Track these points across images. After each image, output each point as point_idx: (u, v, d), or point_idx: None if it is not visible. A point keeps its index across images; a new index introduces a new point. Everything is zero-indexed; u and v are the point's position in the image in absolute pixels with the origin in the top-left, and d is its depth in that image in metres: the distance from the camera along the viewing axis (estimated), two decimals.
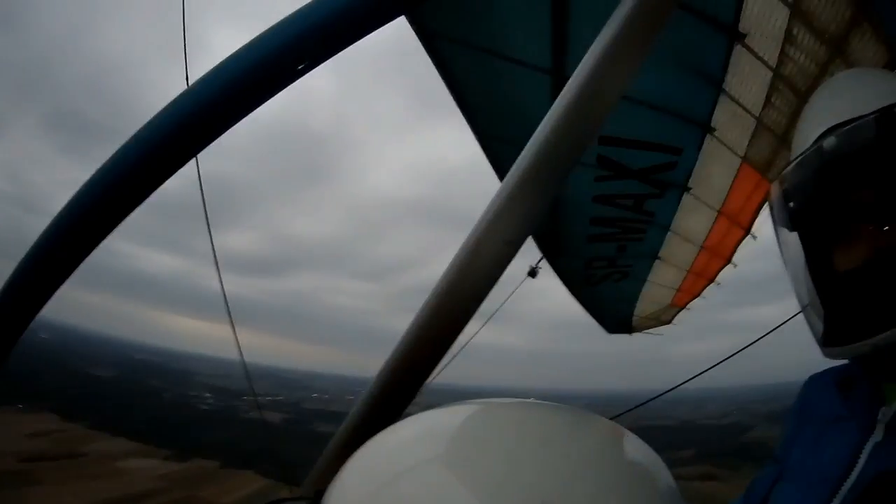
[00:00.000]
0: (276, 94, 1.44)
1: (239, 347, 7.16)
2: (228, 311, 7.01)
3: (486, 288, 1.85)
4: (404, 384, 1.91)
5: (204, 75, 1.44)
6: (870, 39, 4.09)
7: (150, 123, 1.43)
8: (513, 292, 9.26)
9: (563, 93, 1.74)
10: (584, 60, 1.76)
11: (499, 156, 5.68)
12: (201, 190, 6.08)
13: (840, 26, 4.13)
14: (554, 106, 1.75)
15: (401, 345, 1.89)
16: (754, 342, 7.54)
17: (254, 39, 1.42)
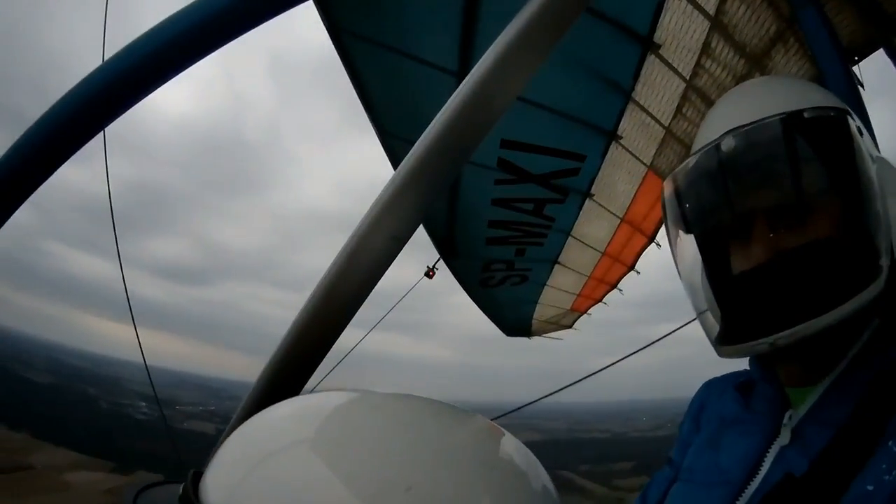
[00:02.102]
0: (183, 70, 1.42)
1: (142, 351, 7.01)
2: (132, 313, 6.87)
3: (372, 282, 1.86)
4: (291, 375, 1.90)
5: (116, 53, 1.42)
6: (795, 54, 4.14)
7: (63, 98, 1.41)
8: (408, 292, 9.30)
9: (458, 89, 1.72)
10: (482, 58, 1.74)
11: (399, 156, 5.52)
12: (108, 188, 5.95)
13: (763, 40, 4.21)
14: (448, 102, 1.74)
15: (288, 334, 1.86)
16: (645, 347, 7.78)
17: (164, 20, 1.40)
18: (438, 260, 7.95)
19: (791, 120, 1.57)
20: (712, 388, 2.04)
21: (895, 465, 1.33)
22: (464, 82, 1.74)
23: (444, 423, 1.18)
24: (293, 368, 1.89)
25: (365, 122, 5.31)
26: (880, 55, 4.01)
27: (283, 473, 0.99)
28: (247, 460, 1.07)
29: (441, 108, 1.70)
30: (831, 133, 1.60)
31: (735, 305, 1.67)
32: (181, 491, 1.10)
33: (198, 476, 1.11)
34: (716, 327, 1.74)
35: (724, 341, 1.67)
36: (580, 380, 7.98)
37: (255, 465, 1.04)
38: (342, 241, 1.83)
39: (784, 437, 1.57)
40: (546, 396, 8.23)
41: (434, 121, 1.75)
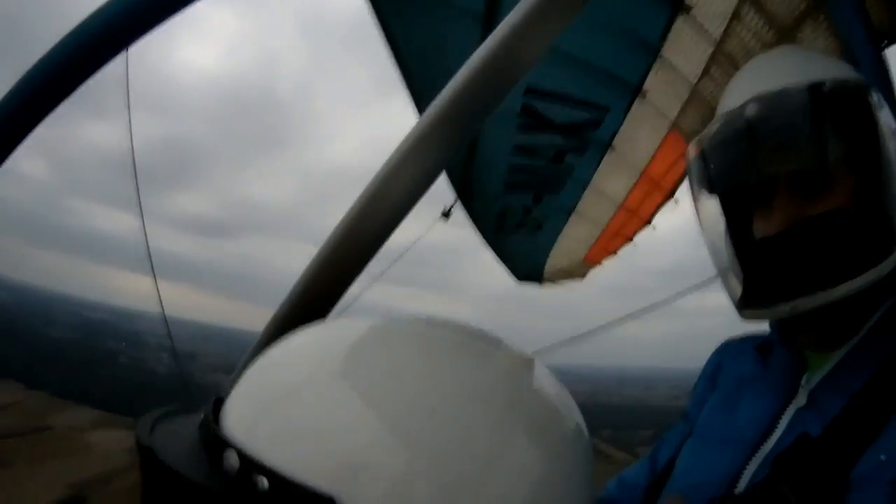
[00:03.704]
0: None
1: (161, 303, 7.01)
2: (152, 266, 6.84)
3: (399, 216, 1.89)
4: (316, 305, 1.95)
5: None
6: (825, 31, 4.13)
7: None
8: (426, 232, 9.33)
9: (491, 35, 1.73)
10: (516, 8, 1.79)
11: (425, 101, 5.42)
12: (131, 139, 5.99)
13: (793, 14, 4.18)
14: (480, 47, 1.76)
15: (312, 265, 1.93)
16: (664, 301, 7.86)
17: None
18: (456, 201, 7.90)
19: (817, 89, 1.58)
20: (730, 348, 2.08)
21: None
22: (498, 27, 1.77)
23: (471, 351, 1.19)
24: (312, 304, 1.93)
25: (395, 85, 5.27)
26: None
27: (303, 402, 1.03)
28: (268, 389, 1.11)
29: (466, 52, 1.76)
30: (855, 105, 1.62)
31: (756, 270, 1.72)
32: (202, 418, 1.13)
33: (219, 403, 1.15)
34: (738, 290, 1.78)
35: (746, 304, 1.73)
36: (575, 337, 8.04)
37: (276, 394, 1.07)
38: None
39: (801, 399, 1.62)
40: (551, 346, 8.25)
41: (465, 65, 1.79)
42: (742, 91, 1.73)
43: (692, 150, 1.86)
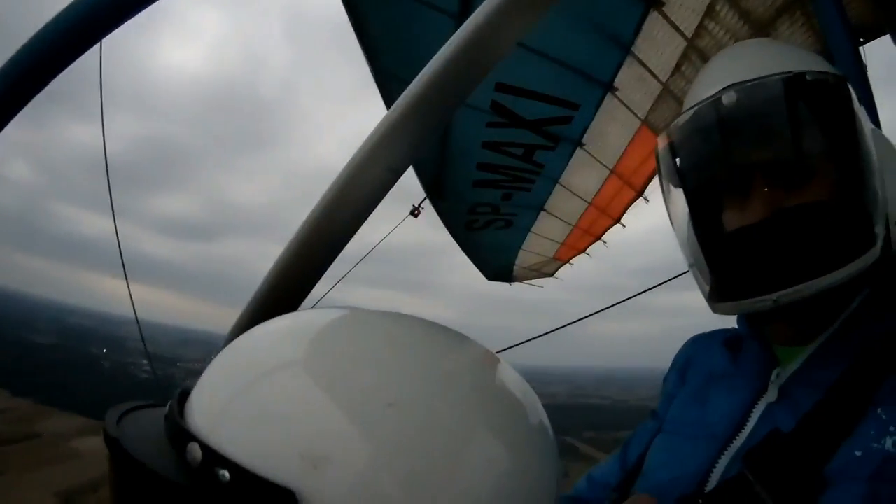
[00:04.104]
0: None
1: (133, 306, 6.98)
2: (124, 268, 6.82)
3: (367, 211, 1.80)
4: (282, 302, 1.84)
5: None
6: (801, 27, 4.16)
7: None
8: (394, 228, 9.34)
9: (460, 29, 1.73)
10: (484, 3, 1.78)
11: (394, 97, 5.38)
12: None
13: (768, 10, 4.20)
14: (449, 41, 1.75)
15: (278, 263, 1.84)
16: (629, 298, 7.89)
17: None
18: (424, 199, 7.92)
19: (799, 79, 1.58)
20: (699, 343, 2.08)
21: (883, 433, 1.39)
22: (467, 21, 1.76)
23: (436, 344, 1.19)
24: (289, 289, 1.87)
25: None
26: (885, 41, 3.94)
27: (265, 393, 1.03)
28: (230, 381, 1.11)
29: (439, 49, 1.73)
30: (833, 97, 1.61)
31: (736, 261, 1.67)
32: (167, 410, 1.12)
33: (184, 396, 1.15)
34: (713, 283, 1.75)
35: (723, 297, 1.69)
36: (544, 334, 8.07)
37: (238, 386, 1.08)
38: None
39: (771, 394, 1.61)
40: (519, 344, 8.26)
41: (433, 59, 1.78)
42: (717, 79, 1.70)
43: (663, 141, 1.81)
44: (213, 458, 0.96)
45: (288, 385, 1.04)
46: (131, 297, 6.78)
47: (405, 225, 9.03)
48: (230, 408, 1.05)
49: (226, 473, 0.93)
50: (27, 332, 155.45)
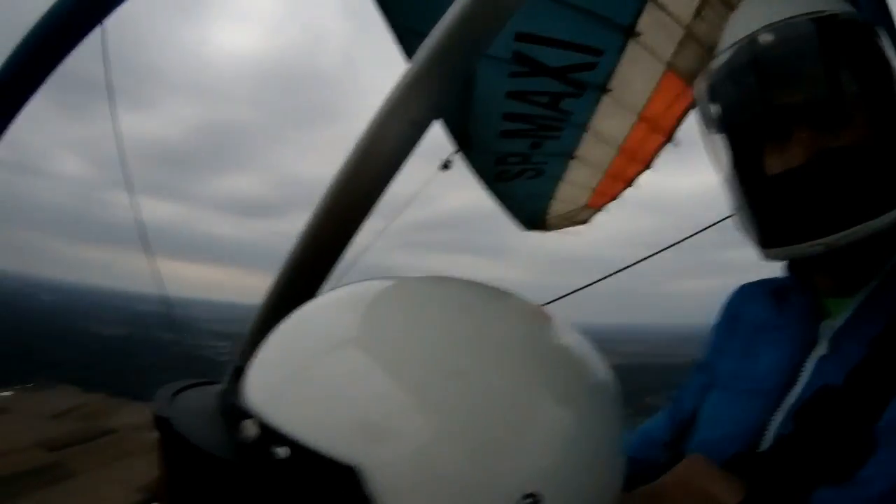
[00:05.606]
0: None
1: (162, 280, 6.93)
2: (146, 242, 6.74)
3: (395, 167, 1.91)
4: (317, 264, 1.97)
5: None
6: None
7: None
8: (426, 184, 9.34)
9: None
10: None
11: (414, 50, 5.31)
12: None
13: None
14: None
15: (308, 227, 1.95)
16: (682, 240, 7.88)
17: None
18: (454, 152, 7.87)
19: (834, 19, 1.59)
20: (745, 292, 2.11)
21: None
22: None
23: (488, 307, 1.19)
24: (322, 250, 1.97)
25: None
26: None
27: (322, 368, 1.05)
28: (287, 358, 1.13)
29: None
30: (869, 39, 1.63)
31: (785, 206, 1.67)
32: (223, 387, 1.18)
33: (238, 372, 1.18)
34: (757, 228, 1.78)
35: (773, 243, 1.73)
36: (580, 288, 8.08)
37: (295, 363, 1.09)
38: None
39: (822, 348, 1.66)
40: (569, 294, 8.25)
41: (451, 7, 1.82)
42: (748, 21, 1.70)
43: (699, 84, 1.84)
44: (270, 434, 0.97)
45: (345, 360, 1.05)
46: (156, 270, 6.70)
47: (476, 190, 8.93)
48: (286, 384, 1.07)
49: (282, 450, 0.95)
50: (94, 326, 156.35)
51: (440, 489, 0.93)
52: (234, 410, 1.06)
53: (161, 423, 1.08)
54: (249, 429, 0.98)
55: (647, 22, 5.25)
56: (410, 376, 1.00)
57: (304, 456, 0.94)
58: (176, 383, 1.29)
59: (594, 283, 8.63)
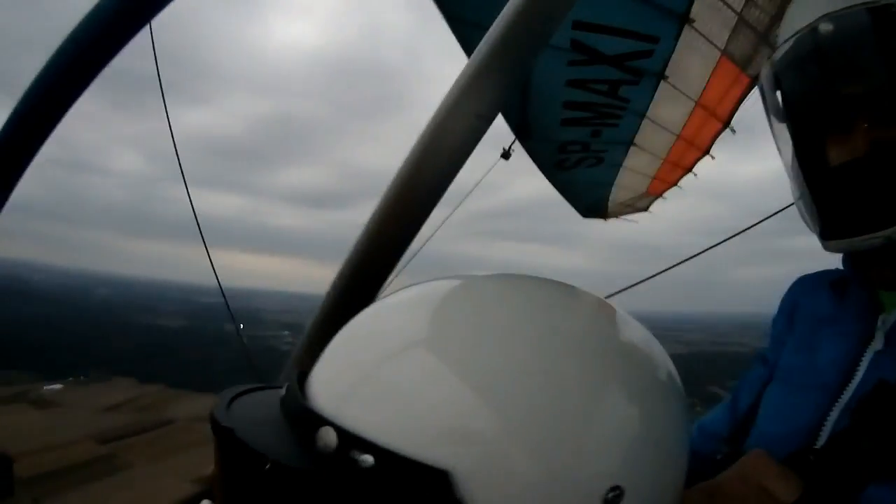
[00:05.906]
0: None
1: (216, 273, 6.90)
2: (202, 234, 6.65)
3: (460, 160, 1.96)
4: (378, 261, 2.02)
5: None
6: None
7: None
8: (486, 173, 9.38)
9: None
10: None
11: (472, 44, 5.29)
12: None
13: None
14: None
15: (372, 221, 1.99)
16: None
17: None
18: (514, 141, 7.90)
19: (890, 8, 1.51)
20: (805, 285, 2.05)
21: None
22: None
23: (556, 304, 1.19)
24: (385, 248, 2.01)
25: None
26: None
27: (397, 370, 1.03)
28: (356, 360, 1.10)
29: None
30: None
31: (846, 197, 1.64)
32: (285, 394, 1.13)
33: (303, 377, 1.14)
34: (820, 219, 1.74)
35: (834, 234, 1.69)
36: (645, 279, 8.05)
37: (366, 365, 1.07)
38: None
39: (878, 342, 1.61)
40: (625, 289, 8.26)
41: (508, 4, 1.85)
42: (810, 9, 1.65)
43: (764, 74, 1.83)
44: (351, 441, 0.93)
45: (421, 362, 1.03)
46: (212, 262, 6.56)
47: (538, 178, 8.92)
48: (361, 388, 1.04)
49: (368, 458, 0.91)
50: (152, 318, 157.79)
51: (528, 488, 0.94)
52: (304, 417, 1.01)
53: (223, 432, 1.02)
54: (328, 436, 0.95)
55: (701, 8, 5.31)
56: (487, 377, 0.99)
57: (393, 463, 0.91)
58: (230, 390, 1.24)
59: (662, 272, 8.60)
